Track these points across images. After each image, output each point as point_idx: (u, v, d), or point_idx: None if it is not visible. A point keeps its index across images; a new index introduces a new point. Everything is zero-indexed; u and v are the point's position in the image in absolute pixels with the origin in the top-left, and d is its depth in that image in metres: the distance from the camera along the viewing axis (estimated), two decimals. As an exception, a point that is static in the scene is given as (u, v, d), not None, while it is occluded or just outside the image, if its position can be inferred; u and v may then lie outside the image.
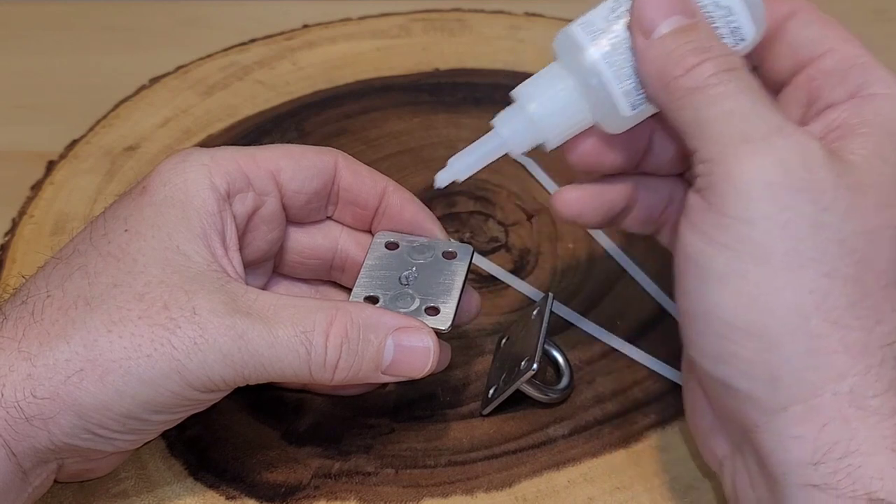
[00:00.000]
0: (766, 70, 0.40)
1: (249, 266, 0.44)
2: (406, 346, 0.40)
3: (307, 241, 0.45)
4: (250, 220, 0.42)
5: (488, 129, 0.40)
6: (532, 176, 0.58)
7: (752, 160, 0.33)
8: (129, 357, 0.36)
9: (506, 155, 0.40)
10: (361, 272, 0.43)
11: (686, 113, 0.35)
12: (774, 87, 0.40)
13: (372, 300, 0.42)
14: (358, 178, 0.44)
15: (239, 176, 0.41)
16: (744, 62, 0.36)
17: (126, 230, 0.39)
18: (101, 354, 0.36)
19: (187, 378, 0.37)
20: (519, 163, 0.59)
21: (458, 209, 0.57)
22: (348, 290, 0.43)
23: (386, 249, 0.44)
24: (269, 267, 0.46)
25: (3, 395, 0.36)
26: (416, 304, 0.42)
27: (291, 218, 0.44)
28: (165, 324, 0.37)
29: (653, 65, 0.36)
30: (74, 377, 0.36)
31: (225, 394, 0.39)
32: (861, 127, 0.35)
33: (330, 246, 0.46)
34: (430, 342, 0.40)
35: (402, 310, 0.41)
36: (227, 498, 0.43)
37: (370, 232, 0.46)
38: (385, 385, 0.47)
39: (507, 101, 0.39)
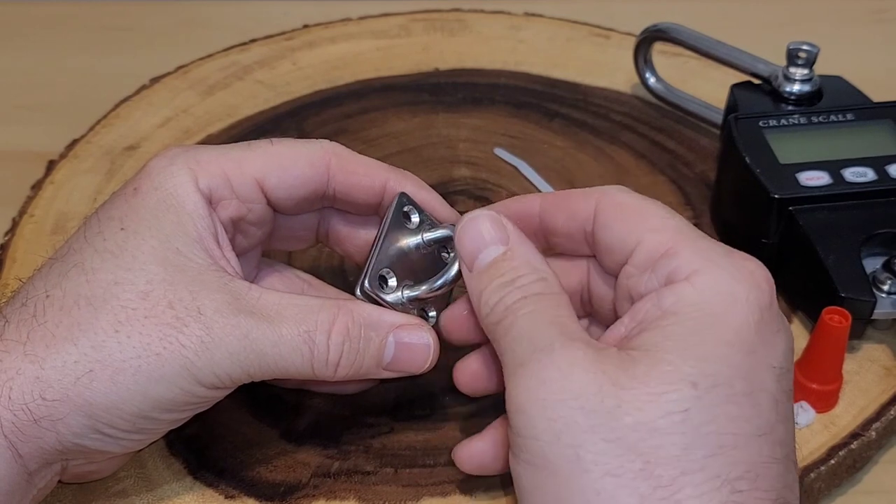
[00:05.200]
0: (605, 269, 0.40)
1: (239, 255, 0.43)
2: (406, 343, 0.40)
3: (296, 223, 0.45)
4: (237, 225, 0.42)
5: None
6: (525, 177, 0.58)
7: (523, 381, 0.34)
8: (138, 356, 0.37)
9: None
10: (379, 242, 0.42)
11: (496, 346, 0.37)
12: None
13: (383, 280, 0.41)
14: (353, 180, 0.43)
15: (222, 183, 0.41)
16: (549, 279, 0.37)
17: (122, 228, 0.39)
18: (111, 355, 0.37)
19: (196, 375, 0.37)
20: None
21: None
22: (341, 274, 0.43)
23: (403, 220, 0.43)
24: (258, 251, 0.45)
25: (10, 397, 0.36)
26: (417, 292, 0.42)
27: (282, 212, 0.43)
28: (172, 323, 0.37)
29: (473, 299, 0.38)
30: (84, 378, 0.36)
31: (228, 391, 0.39)
32: (658, 318, 0.35)
33: (316, 217, 0.45)
34: (430, 339, 0.41)
35: (407, 292, 0.41)
36: (227, 497, 0.43)
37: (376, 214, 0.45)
38: (386, 380, 0.47)
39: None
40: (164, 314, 0.37)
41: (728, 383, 0.33)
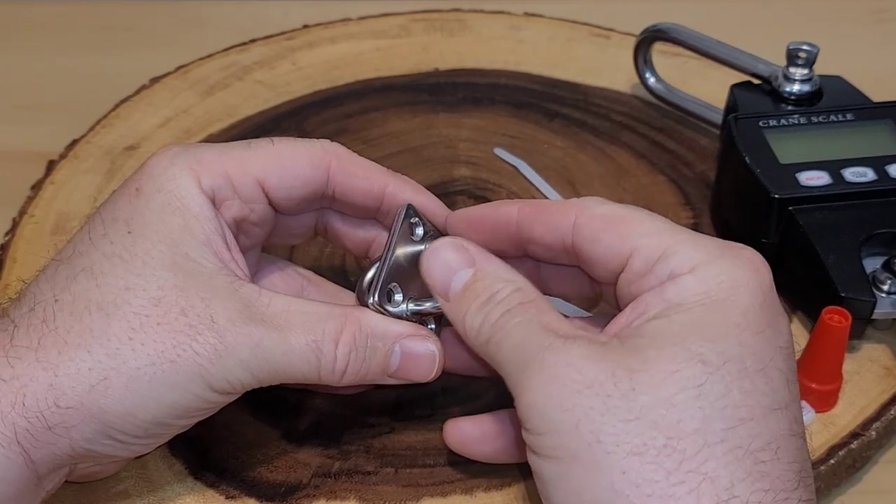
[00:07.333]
0: (594, 278, 0.40)
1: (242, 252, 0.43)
2: (412, 352, 0.41)
3: (294, 221, 0.45)
4: (239, 225, 0.42)
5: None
6: (525, 178, 0.58)
7: (531, 382, 0.35)
8: (153, 363, 0.37)
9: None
10: (387, 256, 0.42)
11: (493, 363, 0.37)
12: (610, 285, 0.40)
13: (390, 294, 0.41)
14: (352, 183, 0.43)
15: (224, 183, 0.41)
16: (524, 287, 0.38)
17: (129, 232, 0.39)
18: (125, 363, 0.37)
19: (209, 381, 0.38)
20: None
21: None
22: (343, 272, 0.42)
23: (409, 231, 0.43)
24: (258, 248, 0.45)
25: (24, 404, 0.36)
26: (424, 306, 0.42)
27: (282, 212, 0.43)
28: (186, 330, 0.37)
29: (458, 327, 0.39)
30: (99, 386, 0.37)
31: (237, 396, 0.40)
32: (663, 310, 0.35)
33: (314, 216, 0.45)
34: (435, 349, 0.41)
35: (411, 306, 0.42)
36: (228, 497, 0.43)
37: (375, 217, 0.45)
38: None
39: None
40: (177, 321, 0.37)
41: (739, 359, 0.34)
